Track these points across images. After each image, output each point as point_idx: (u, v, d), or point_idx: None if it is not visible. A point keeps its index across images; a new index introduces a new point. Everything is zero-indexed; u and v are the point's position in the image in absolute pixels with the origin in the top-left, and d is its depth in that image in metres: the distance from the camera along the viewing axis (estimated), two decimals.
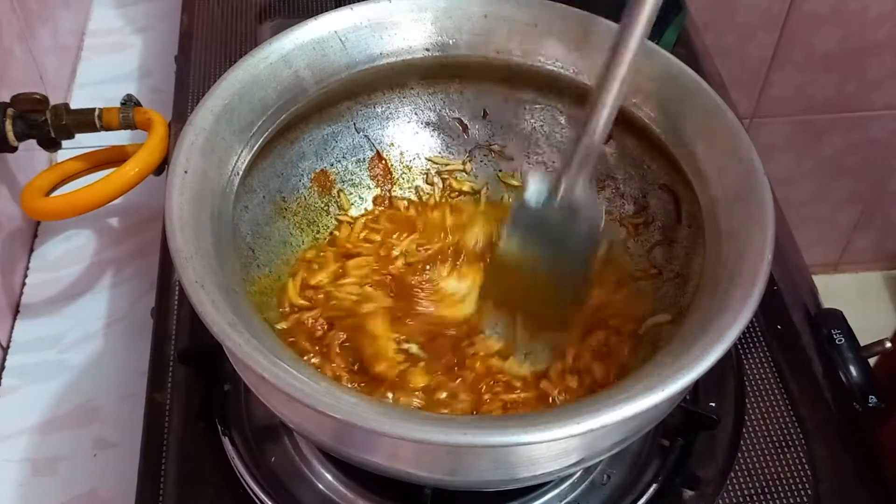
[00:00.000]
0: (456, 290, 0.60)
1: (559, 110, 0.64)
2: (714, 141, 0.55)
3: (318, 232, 0.63)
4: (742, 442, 0.61)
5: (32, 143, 0.76)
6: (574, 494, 0.57)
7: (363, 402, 0.44)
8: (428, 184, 0.66)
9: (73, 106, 0.76)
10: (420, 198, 0.66)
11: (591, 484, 0.58)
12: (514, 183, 0.65)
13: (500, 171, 0.66)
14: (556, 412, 0.45)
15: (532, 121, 0.65)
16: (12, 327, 0.75)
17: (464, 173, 0.66)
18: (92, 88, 0.94)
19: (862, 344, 0.67)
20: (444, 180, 0.66)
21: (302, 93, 0.58)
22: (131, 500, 0.59)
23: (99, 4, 1.03)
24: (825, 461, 0.61)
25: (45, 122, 0.74)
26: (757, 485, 0.59)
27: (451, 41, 0.61)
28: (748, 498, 0.59)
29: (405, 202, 0.65)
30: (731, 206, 0.52)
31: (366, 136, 0.64)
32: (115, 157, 0.78)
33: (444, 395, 0.54)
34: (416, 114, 0.65)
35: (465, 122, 0.66)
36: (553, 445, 0.45)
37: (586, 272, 0.59)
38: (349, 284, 0.60)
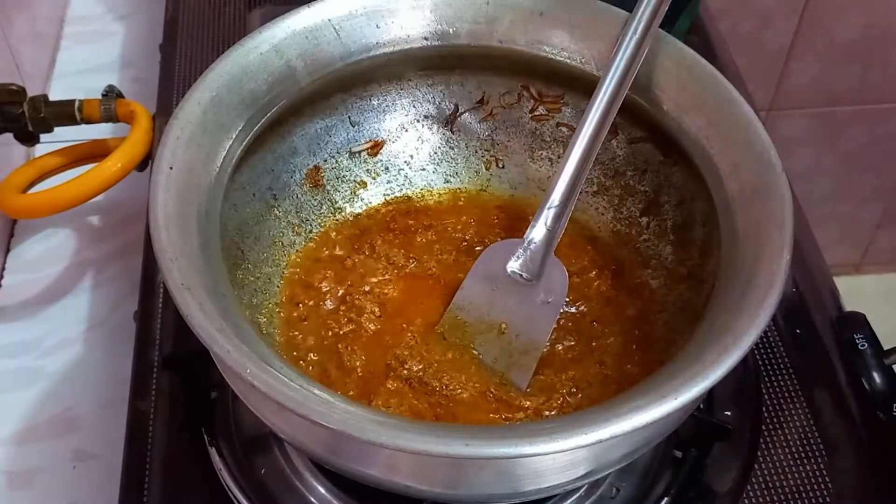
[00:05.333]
0: None
1: (565, 102, 0.64)
2: (729, 135, 0.55)
3: (311, 231, 0.63)
4: (759, 453, 0.61)
5: (8, 137, 0.76)
6: None
7: (359, 411, 0.44)
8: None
9: (51, 97, 0.76)
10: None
11: (598, 498, 0.58)
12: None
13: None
14: (563, 422, 0.45)
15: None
16: None
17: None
18: (72, 79, 0.94)
19: (886, 349, 0.67)
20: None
21: (294, 84, 0.58)
22: None
23: None
24: (847, 474, 0.61)
25: (21, 114, 0.74)
26: (775, 498, 0.59)
27: (451, 30, 0.61)
28: None
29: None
30: (748, 204, 0.52)
31: (361, 130, 0.64)
32: (96, 152, 0.78)
33: None
34: (414, 106, 0.65)
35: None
36: (560, 457, 0.45)
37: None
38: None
